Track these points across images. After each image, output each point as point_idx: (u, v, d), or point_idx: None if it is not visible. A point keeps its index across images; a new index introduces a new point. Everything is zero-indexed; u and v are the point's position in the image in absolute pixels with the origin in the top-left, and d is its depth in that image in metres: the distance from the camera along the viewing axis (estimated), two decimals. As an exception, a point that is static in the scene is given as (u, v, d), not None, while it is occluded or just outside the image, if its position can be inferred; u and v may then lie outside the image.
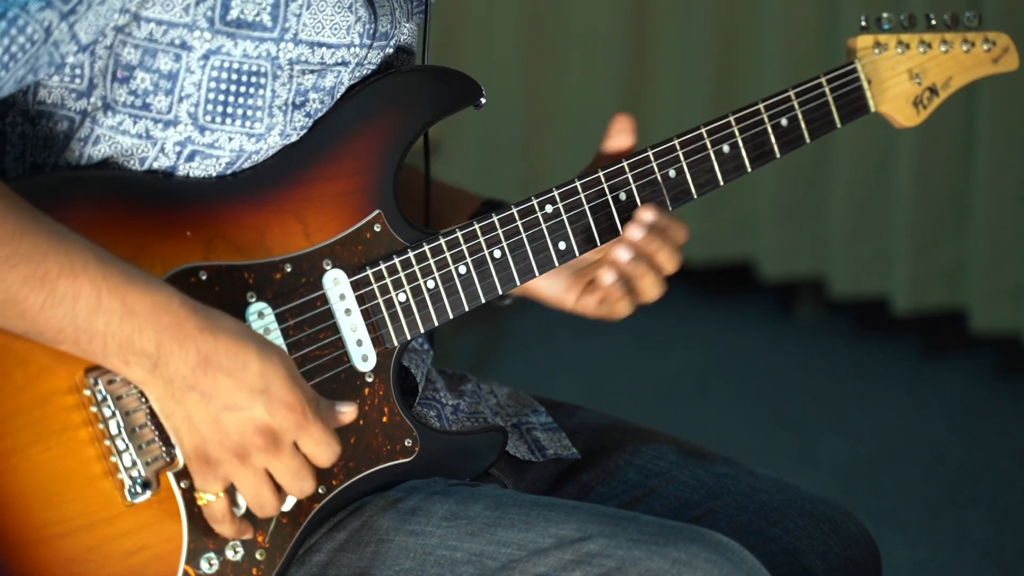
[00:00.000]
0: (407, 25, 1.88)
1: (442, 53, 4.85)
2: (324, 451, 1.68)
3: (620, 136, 1.94)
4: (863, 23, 2.00)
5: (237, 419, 1.65)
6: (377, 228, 1.82)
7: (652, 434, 2.07)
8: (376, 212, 1.82)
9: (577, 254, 1.89)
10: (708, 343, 4.70)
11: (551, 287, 1.96)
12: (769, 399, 4.39)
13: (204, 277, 1.74)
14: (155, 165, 1.76)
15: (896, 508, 3.85)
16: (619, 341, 4.67)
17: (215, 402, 1.64)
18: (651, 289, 1.91)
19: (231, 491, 1.71)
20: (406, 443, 1.83)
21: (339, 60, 1.78)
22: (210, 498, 1.69)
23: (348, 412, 1.72)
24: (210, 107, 1.75)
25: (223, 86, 1.75)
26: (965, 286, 4.50)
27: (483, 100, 1.87)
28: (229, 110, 1.76)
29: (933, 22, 2.03)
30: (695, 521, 1.97)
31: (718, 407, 4.35)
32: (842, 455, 4.10)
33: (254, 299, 1.77)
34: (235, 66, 1.75)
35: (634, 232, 1.88)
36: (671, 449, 2.04)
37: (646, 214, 1.88)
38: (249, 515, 1.74)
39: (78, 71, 1.73)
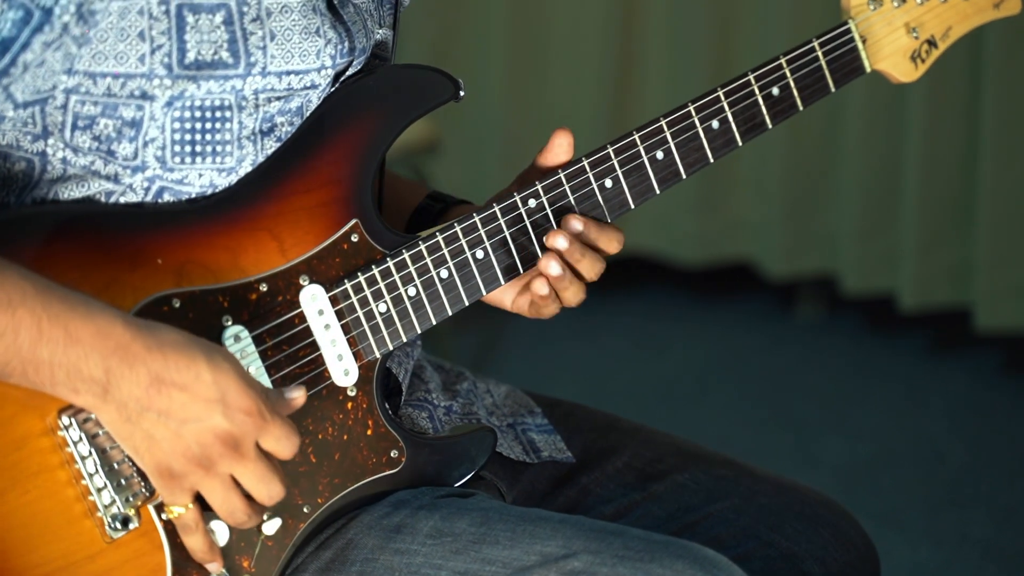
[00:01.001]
0: (380, 31, 1.85)
1: (435, 54, 4.84)
2: (285, 445, 1.67)
3: (560, 150, 1.89)
4: None
5: (197, 430, 1.64)
6: (355, 238, 1.80)
7: (652, 434, 2.06)
8: (353, 222, 1.79)
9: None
10: (708, 343, 4.69)
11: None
12: (769, 399, 4.38)
13: (177, 305, 1.73)
14: (123, 200, 1.75)
15: (896, 508, 3.85)
16: (619, 341, 4.67)
17: (173, 418, 1.63)
18: (574, 297, 1.86)
19: (203, 509, 1.70)
20: (392, 454, 1.82)
21: (308, 84, 1.77)
22: (180, 510, 1.68)
23: (299, 396, 1.71)
24: (177, 148, 1.74)
25: (187, 125, 1.73)
26: (971, 284, 4.49)
27: (462, 93, 1.82)
28: (198, 148, 1.74)
29: None
30: (693, 526, 1.97)
31: (718, 407, 4.35)
32: (842, 455, 4.09)
33: (230, 323, 1.75)
34: (198, 103, 1.73)
35: (559, 241, 1.83)
36: (670, 450, 2.03)
37: (574, 223, 1.84)
38: (227, 547, 1.74)
39: (29, 119, 1.71)
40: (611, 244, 1.86)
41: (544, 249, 1.84)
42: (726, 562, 1.75)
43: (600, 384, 4.43)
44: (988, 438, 4.19)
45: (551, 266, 1.83)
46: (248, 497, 1.69)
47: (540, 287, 1.85)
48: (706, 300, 4.89)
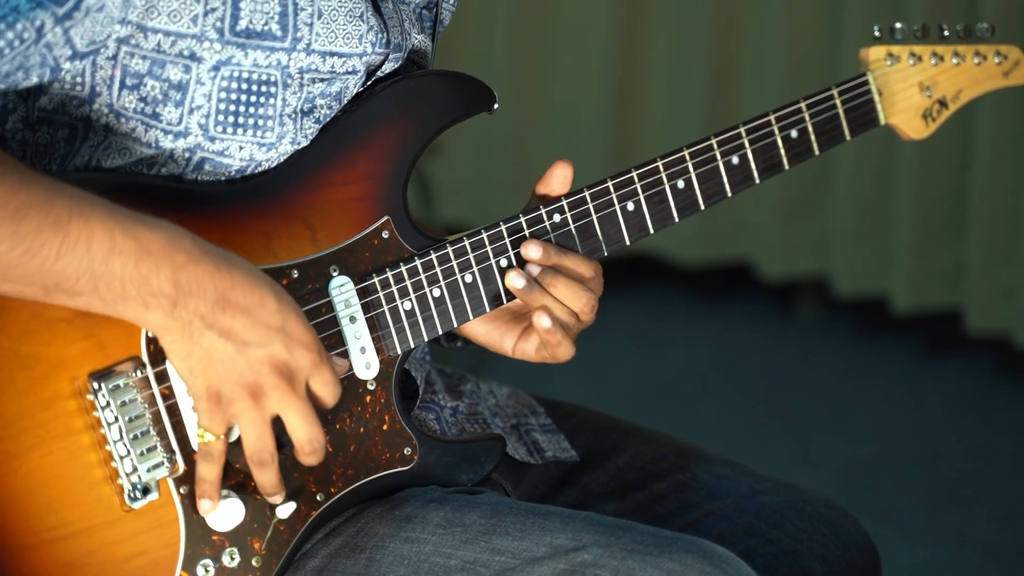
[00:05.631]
0: (418, 36, 1.88)
1: (438, 53, 4.84)
2: (332, 391, 1.70)
3: (556, 181, 1.89)
4: (876, 33, 1.99)
5: (254, 356, 1.66)
6: (385, 235, 1.82)
7: (652, 435, 2.07)
8: (385, 219, 1.82)
9: None
10: (708, 343, 4.70)
11: (488, 333, 1.92)
12: (769, 399, 4.39)
13: None
14: (163, 171, 1.76)
15: (896, 508, 3.85)
16: (619, 341, 4.67)
17: (233, 339, 1.65)
18: (562, 312, 1.86)
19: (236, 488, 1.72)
20: (405, 451, 1.83)
21: (350, 69, 1.78)
22: (210, 437, 1.69)
23: (344, 364, 1.75)
24: (221, 117, 1.75)
25: (233, 96, 1.75)
26: (963, 286, 4.50)
27: (496, 106, 1.86)
28: (240, 120, 1.76)
29: (946, 33, 2.01)
30: (695, 523, 1.98)
31: (718, 407, 4.36)
32: (842, 455, 4.10)
33: None
34: (245, 75, 1.75)
35: (532, 251, 1.85)
36: (671, 450, 2.05)
37: (530, 249, 1.85)
38: (240, 528, 1.75)
39: (79, 79, 1.72)
40: (579, 266, 1.87)
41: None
42: (734, 558, 1.76)
43: (600, 384, 4.43)
44: (986, 439, 4.19)
45: (515, 278, 1.84)
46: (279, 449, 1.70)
47: (542, 320, 1.85)
48: (706, 300, 4.89)
